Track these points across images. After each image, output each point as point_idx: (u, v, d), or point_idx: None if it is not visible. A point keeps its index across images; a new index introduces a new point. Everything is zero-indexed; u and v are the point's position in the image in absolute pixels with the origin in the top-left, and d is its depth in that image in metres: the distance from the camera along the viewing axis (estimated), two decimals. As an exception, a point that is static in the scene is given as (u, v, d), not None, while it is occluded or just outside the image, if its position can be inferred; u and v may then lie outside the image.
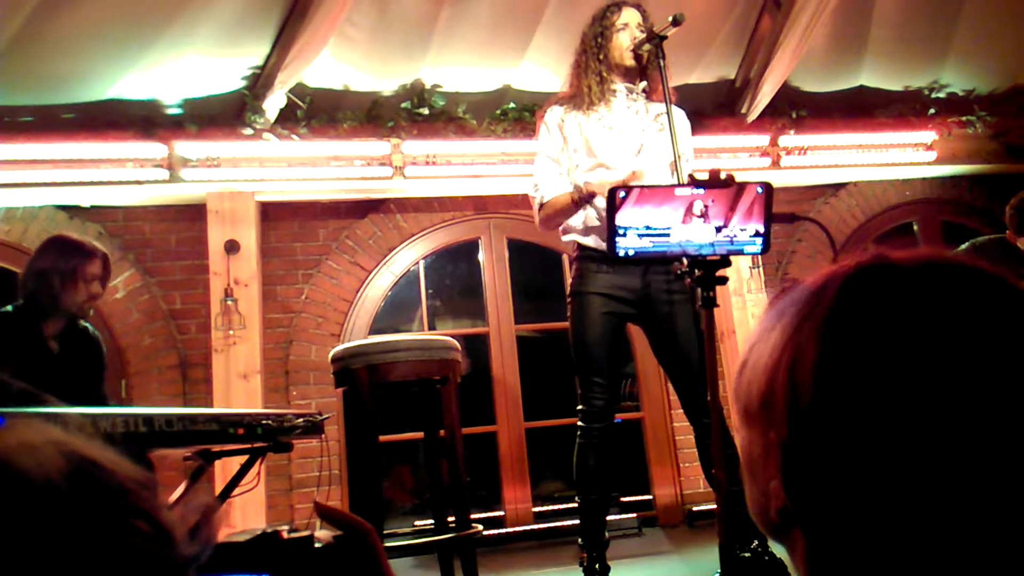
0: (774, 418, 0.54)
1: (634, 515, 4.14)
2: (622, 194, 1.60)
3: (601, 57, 2.62)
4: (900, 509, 0.48)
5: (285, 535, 1.26)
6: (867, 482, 0.49)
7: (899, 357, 0.49)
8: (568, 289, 2.65)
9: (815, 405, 0.51)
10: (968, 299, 0.51)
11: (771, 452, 0.55)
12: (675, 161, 2.29)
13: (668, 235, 1.64)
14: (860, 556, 0.50)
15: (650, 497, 4.41)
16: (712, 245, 1.67)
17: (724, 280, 1.72)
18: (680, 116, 2.76)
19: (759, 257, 4.45)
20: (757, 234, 1.66)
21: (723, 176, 1.59)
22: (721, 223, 1.64)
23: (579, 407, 2.57)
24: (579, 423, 2.57)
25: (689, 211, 1.62)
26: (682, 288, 2.50)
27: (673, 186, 1.62)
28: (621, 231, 1.61)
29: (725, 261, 1.68)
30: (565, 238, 2.69)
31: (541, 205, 2.63)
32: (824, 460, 0.51)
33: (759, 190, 1.64)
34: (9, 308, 2.67)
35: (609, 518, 2.68)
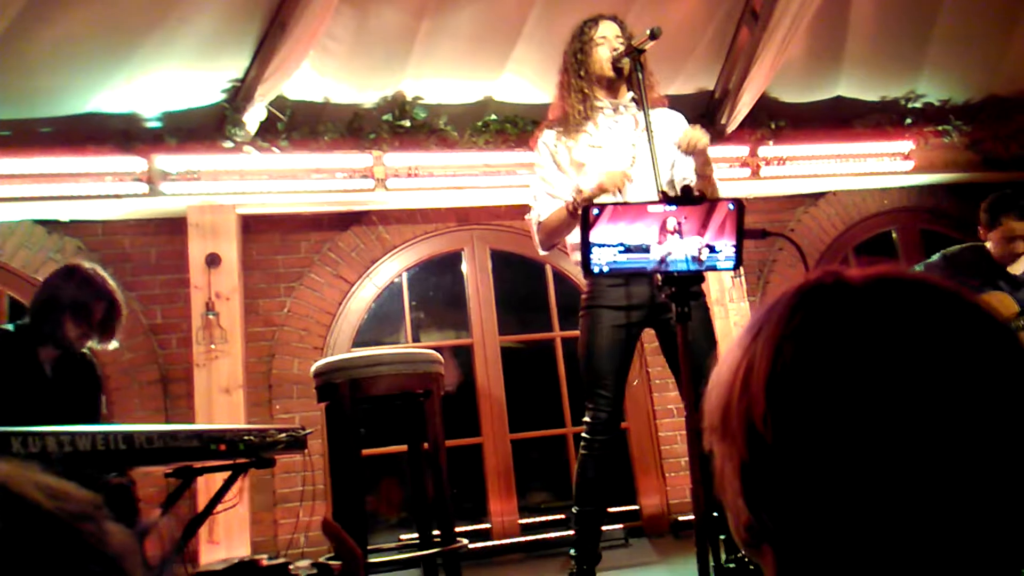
0: (732, 433, 0.55)
1: (620, 525, 4.13)
2: (595, 211, 1.62)
3: (582, 73, 2.65)
4: (859, 523, 0.49)
5: (265, 562, 1.24)
6: (822, 495, 0.49)
7: (846, 372, 0.50)
8: (580, 303, 2.66)
9: (766, 420, 0.52)
10: (916, 315, 0.51)
11: (734, 468, 0.55)
12: (655, 170, 2.31)
13: (642, 251, 1.65)
14: (826, 572, 0.51)
15: (636, 507, 4.41)
16: (685, 261, 1.69)
17: (698, 295, 1.74)
18: (677, 120, 2.78)
19: (741, 267, 4.47)
20: (729, 250, 1.68)
21: (695, 193, 1.61)
22: (694, 239, 1.66)
23: (584, 419, 2.59)
24: (583, 434, 2.58)
25: (663, 228, 1.63)
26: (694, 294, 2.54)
27: (646, 203, 1.64)
28: (596, 248, 1.63)
29: (698, 277, 1.70)
30: (574, 256, 2.70)
31: (539, 224, 2.65)
32: (778, 475, 0.51)
33: (731, 207, 1.66)
34: (10, 327, 2.65)
35: (597, 529, 2.69)
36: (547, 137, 2.70)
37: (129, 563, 0.47)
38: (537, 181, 2.71)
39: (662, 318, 2.60)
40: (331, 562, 2.23)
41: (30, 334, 2.61)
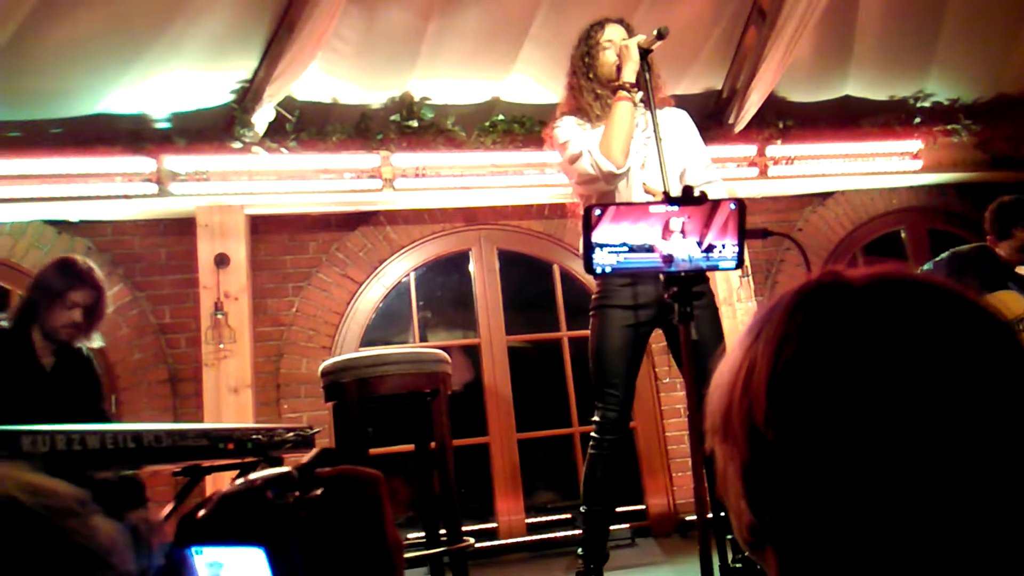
0: (734, 434, 0.55)
1: (627, 525, 4.13)
2: (597, 212, 1.62)
3: (591, 76, 2.66)
4: (861, 524, 0.49)
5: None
6: (823, 496, 0.49)
7: (847, 371, 0.50)
8: (590, 303, 2.66)
9: (768, 420, 0.52)
10: (916, 315, 0.51)
11: (736, 469, 0.55)
12: (661, 171, 2.31)
13: (645, 251, 1.66)
14: (828, 573, 0.51)
15: (643, 507, 4.41)
16: (688, 261, 1.69)
17: (700, 295, 1.74)
18: (684, 119, 2.77)
19: (748, 267, 4.47)
20: (731, 249, 1.68)
21: (696, 193, 1.62)
22: (696, 239, 1.67)
23: (594, 418, 2.59)
24: (593, 433, 2.59)
25: (666, 228, 1.64)
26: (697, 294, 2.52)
27: (648, 203, 1.65)
28: (598, 248, 1.63)
29: (701, 276, 1.71)
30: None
31: (602, 140, 2.53)
32: (780, 476, 0.51)
33: (732, 207, 1.67)
34: (4, 323, 2.68)
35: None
36: (567, 120, 2.67)
37: (117, 556, 0.48)
38: (573, 140, 2.60)
39: (670, 318, 2.60)
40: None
41: (23, 326, 2.64)
